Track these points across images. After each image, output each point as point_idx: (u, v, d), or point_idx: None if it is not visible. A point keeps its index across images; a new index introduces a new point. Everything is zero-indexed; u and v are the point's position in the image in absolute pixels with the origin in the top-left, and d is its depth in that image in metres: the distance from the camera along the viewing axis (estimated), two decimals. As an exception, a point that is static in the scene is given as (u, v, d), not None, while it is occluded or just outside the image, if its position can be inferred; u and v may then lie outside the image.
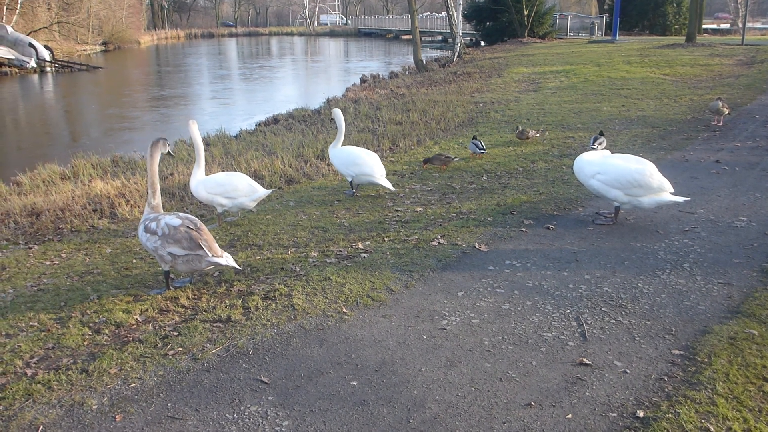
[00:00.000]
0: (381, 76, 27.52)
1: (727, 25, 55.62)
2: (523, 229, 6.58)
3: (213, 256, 5.02)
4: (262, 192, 7.08)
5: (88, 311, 5.00)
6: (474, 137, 10.04)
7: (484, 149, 9.84)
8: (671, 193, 6.44)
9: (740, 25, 39.49)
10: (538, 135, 10.93)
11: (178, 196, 8.70)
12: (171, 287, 5.36)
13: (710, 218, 6.77)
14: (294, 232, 6.78)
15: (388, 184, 7.83)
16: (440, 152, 9.57)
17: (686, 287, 5.11)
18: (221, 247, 6.39)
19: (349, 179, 8.02)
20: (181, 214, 5.27)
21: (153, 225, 5.17)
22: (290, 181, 9.34)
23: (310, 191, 8.57)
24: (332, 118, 8.27)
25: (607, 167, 6.54)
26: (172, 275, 5.49)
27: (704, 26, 46.30)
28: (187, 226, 5.07)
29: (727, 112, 11.69)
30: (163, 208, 5.73)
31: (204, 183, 7.00)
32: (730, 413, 3.49)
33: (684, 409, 3.52)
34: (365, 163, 7.78)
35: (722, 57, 23.50)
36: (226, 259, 5.09)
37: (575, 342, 4.32)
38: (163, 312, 4.96)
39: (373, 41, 76.76)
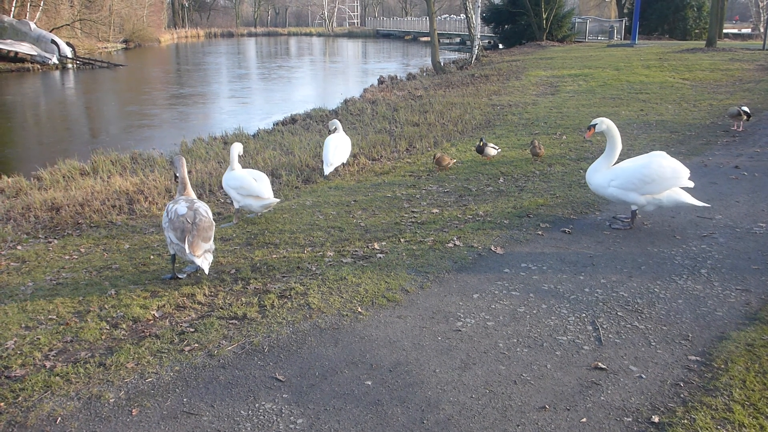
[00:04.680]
0: (399, 78, 27.52)
1: (749, 30, 55.11)
2: (540, 233, 6.57)
3: (191, 253, 5.15)
4: (266, 199, 7.08)
5: (106, 306, 5.05)
6: (481, 140, 9.86)
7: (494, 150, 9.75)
8: (689, 179, 6.39)
9: (762, 30, 39.11)
10: (541, 151, 9.91)
11: (196, 194, 8.75)
12: (176, 275, 5.60)
13: (728, 224, 6.71)
14: (310, 231, 6.81)
15: (326, 169, 9.13)
16: (443, 154, 9.41)
17: (703, 293, 5.08)
18: (237, 244, 6.46)
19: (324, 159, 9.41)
20: (197, 203, 5.47)
21: (170, 206, 5.45)
22: (307, 180, 9.39)
23: (326, 191, 8.61)
24: (334, 128, 9.57)
25: (617, 172, 6.52)
26: (178, 263, 5.72)
27: (725, 30, 45.88)
28: (186, 219, 5.25)
29: (746, 118, 11.56)
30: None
31: (229, 174, 7.27)
32: (746, 420, 3.47)
33: (700, 416, 3.51)
34: (325, 150, 9.20)
35: (743, 62, 23.29)
36: (201, 262, 5.20)
37: (590, 346, 4.31)
38: (180, 308, 5.00)
39: (391, 43, 76.80)
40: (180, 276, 5.62)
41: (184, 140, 14.02)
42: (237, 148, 7.44)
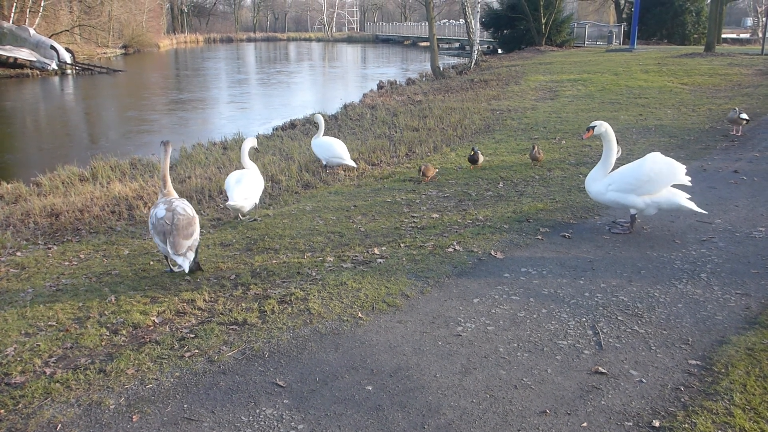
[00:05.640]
0: (398, 83, 27.54)
1: (747, 35, 55.19)
2: (539, 237, 6.57)
3: (174, 252, 5.41)
4: (233, 201, 7.17)
5: (105, 312, 5.05)
6: (473, 149, 9.79)
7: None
8: (685, 174, 6.42)
9: (760, 35, 39.19)
10: (541, 155, 9.91)
11: (196, 199, 8.76)
12: (170, 268, 5.93)
13: (728, 228, 6.72)
14: (310, 236, 6.81)
15: (351, 163, 9.90)
16: (428, 165, 9.27)
17: (703, 297, 5.08)
18: (237, 250, 6.46)
19: (324, 162, 10.09)
20: (175, 203, 5.67)
21: (152, 211, 5.72)
22: (307, 186, 9.39)
23: (326, 196, 8.61)
24: (315, 122, 10.28)
25: (614, 177, 6.57)
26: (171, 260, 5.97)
27: (723, 35, 45.93)
28: (165, 221, 5.47)
29: (745, 122, 11.57)
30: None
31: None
32: (747, 424, 3.47)
33: (701, 420, 3.51)
34: (334, 149, 9.88)
35: (741, 67, 23.33)
36: (182, 261, 5.43)
37: (591, 350, 4.31)
38: (180, 314, 5.00)
39: (390, 48, 76.89)
40: (175, 269, 5.89)
41: (184, 146, 14.02)
42: (248, 143, 7.90)
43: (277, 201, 8.52)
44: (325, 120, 16.81)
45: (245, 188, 7.30)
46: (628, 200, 6.46)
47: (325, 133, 10.69)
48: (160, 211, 5.59)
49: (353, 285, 5.41)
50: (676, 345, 4.35)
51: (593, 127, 6.73)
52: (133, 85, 35.41)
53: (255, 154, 9.09)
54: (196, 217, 5.76)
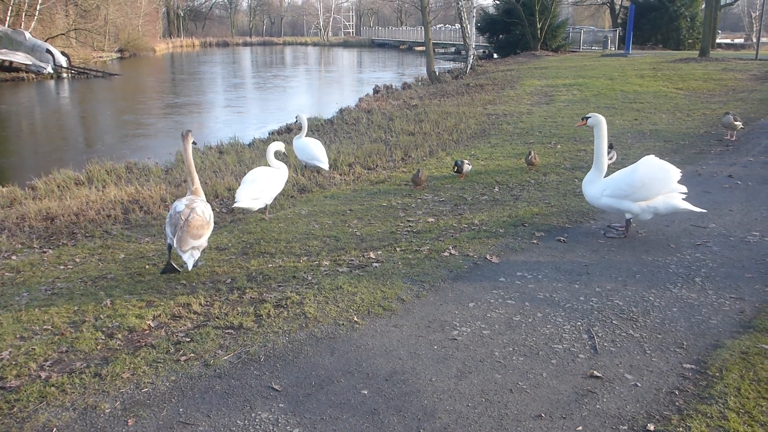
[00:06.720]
0: (394, 87, 27.58)
1: (741, 40, 55.39)
2: (535, 241, 6.59)
3: (178, 247, 5.58)
4: (239, 200, 7.26)
5: (101, 316, 5.04)
6: (456, 163, 9.69)
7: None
8: (679, 182, 6.45)
9: (754, 40, 39.36)
10: (536, 160, 9.99)
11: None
12: (171, 267, 5.98)
13: (722, 233, 6.75)
14: (306, 240, 6.82)
15: (325, 166, 9.92)
16: (418, 170, 9.18)
17: (698, 301, 5.10)
18: (233, 254, 6.46)
19: (303, 163, 10.21)
20: (196, 202, 5.84)
21: (174, 203, 5.89)
22: (303, 190, 9.39)
23: (322, 200, 8.61)
24: (297, 121, 10.59)
25: (609, 182, 6.59)
26: (174, 259, 6.05)
27: (718, 40, 46.07)
28: (181, 216, 5.64)
29: (740, 126, 11.63)
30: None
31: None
32: (741, 428, 3.48)
33: (695, 423, 3.52)
34: (310, 150, 9.86)
35: (736, 72, 23.42)
36: (186, 257, 5.59)
37: (586, 354, 4.32)
38: (176, 318, 5.00)
39: (386, 52, 77.01)
40: (177, 269, 5.96)
41: (179, 149, 14.00)
42: (273, 147, 8.06)
43: (273, 205, 8.52)
44: (321, 124, 16.89)
45: (256, 188, 7.39)
46: (623, 205, 6.48)
47: (321, 137, 10.74)
48: (180, 205, 5.78)
49: (349, 289, 5.42)
50: (671, 349, 4.37)
51: (588, 118, 6.80)
52: (129, 88, 35.40)
53: (282, 158, 9.23)
54: (211, 224, 5.90)
